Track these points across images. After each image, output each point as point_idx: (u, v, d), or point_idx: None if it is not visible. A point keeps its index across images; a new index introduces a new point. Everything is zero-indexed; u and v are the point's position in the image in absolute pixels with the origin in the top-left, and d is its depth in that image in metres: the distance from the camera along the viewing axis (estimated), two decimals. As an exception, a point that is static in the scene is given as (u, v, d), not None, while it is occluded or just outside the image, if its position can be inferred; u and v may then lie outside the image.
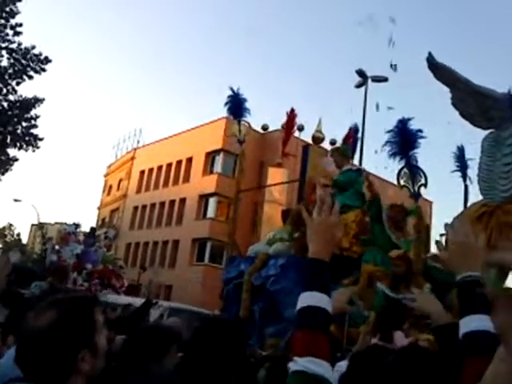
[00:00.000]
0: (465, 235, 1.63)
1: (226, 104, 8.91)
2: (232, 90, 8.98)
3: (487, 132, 6.56)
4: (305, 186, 8.09)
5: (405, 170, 6.99)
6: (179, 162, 37.00)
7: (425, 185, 6.96)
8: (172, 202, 36.36)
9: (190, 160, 36.16)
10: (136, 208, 39.50)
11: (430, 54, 5.98)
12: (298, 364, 1.43)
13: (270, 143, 27.65)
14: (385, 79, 19.01)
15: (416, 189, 6.92)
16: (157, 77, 73.79)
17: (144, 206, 38.75)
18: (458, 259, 1.60)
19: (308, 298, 1.54)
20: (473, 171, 8.02)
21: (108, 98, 78.42)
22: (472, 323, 1.49)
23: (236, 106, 8.84)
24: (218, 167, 34.80)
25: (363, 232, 7.49)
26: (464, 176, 7.83)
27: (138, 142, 41.66)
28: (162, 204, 37.09)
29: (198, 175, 34.99)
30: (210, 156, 35.39)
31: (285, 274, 7.16)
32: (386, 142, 7.05)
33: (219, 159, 34.79)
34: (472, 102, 6.03)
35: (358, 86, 19.11)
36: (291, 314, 7.84)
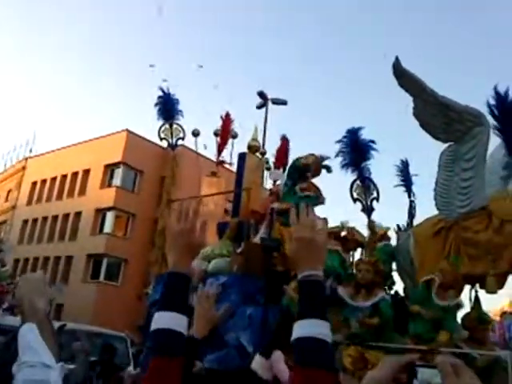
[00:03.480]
0: (310, 230, 1.52)
1: (156, 105, 8.00)
2: (162, 90, 8.12)
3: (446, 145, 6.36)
4: (242, 196, 7.39)
5: (357, 182, 6.60)
6: (75, 174, 34.91)
7: (377, 198, 6.61)
8: (66, 216, 34.08)
9: (87, 172, 34.23)
10: (26, 221, 36.70)
11: (397, 58, 5.65)
12: None
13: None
14: (284, 102, 19.30)
15: (369, 202, 6.54)
16: (54, 82, 69.47)
17: (35, 220, 36.03)
18: (301, 255, 1.50)
19: (166, 320, 1.47)
20: (416, 187, 7.84)
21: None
22: (306, 328, 1.39)
23: (167, 107, 7.97)
24: (117, 180, 33.30)
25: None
26: (409, 191, 7.58)
27: (31, 150, 39.01)
28: (55, 218, 34.66)
29: (96, 188, 33.15)
30: (109, 169, 33.82)
31: (226, 294, 6.42)
32: (337, 153, 6.64)
33: (119, 172, 33.38)
34: (437, 113, 5.77)
35: (259, 106, 19.07)
36: (233, 338, 6.97)
